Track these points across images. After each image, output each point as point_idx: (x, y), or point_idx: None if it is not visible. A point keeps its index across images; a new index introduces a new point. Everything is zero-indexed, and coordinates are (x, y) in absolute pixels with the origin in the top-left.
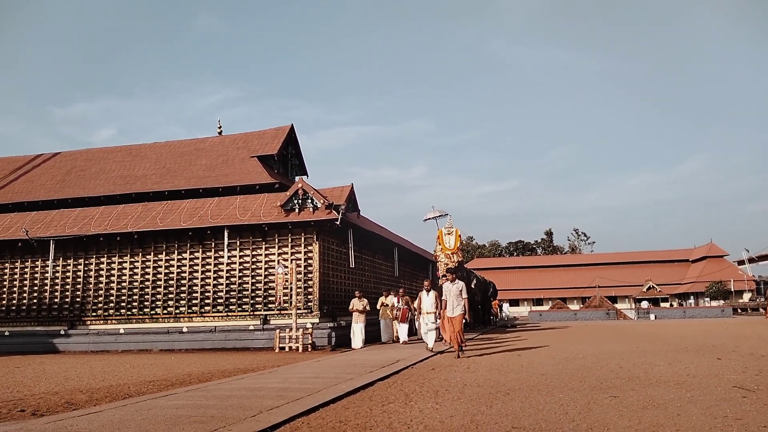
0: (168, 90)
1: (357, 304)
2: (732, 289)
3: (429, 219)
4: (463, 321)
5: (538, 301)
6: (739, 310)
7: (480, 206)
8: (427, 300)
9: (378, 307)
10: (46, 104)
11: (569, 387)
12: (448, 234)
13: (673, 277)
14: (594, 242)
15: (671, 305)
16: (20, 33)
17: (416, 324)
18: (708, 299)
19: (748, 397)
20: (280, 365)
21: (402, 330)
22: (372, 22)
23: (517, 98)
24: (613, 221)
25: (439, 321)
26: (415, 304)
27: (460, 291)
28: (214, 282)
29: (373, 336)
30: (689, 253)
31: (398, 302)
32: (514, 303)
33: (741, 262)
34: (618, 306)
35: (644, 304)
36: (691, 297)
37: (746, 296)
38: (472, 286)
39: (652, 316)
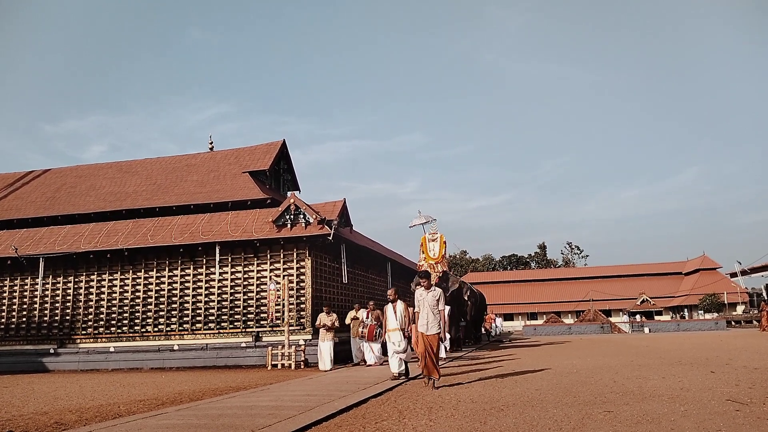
0: (160, 105)
1: (324, 319)
2: (725, 302)
3: (415, 225)
4: (440, 341)
5: (533, 315)
6: (733, 323)
7: (473, 220)
8: (392, 314)
9: (347, 322)
10: (37, 120)
11: (563, 402)
12: (432, 240)
13: (667, 290)
14: (587, 255)
15: (674, 316)
16: (11, 47)
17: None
18: (702, 312)
19: (742, 410)
20: (272, 383)
21: (370, 350)
22: (364, 36)
23: (510, 110)
24: (606, 233)
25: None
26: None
27: (437, 301)
28: (206, 299)
29: (348, 356)
30: (682, 265)
31: (367, 317)
32: (508, 317)
33: (734, 275)
34: (612, 319)
35: (636, 317)
36: (685, 310)
37: (740, 308)
38: (465, 298)
39: (646, 330)
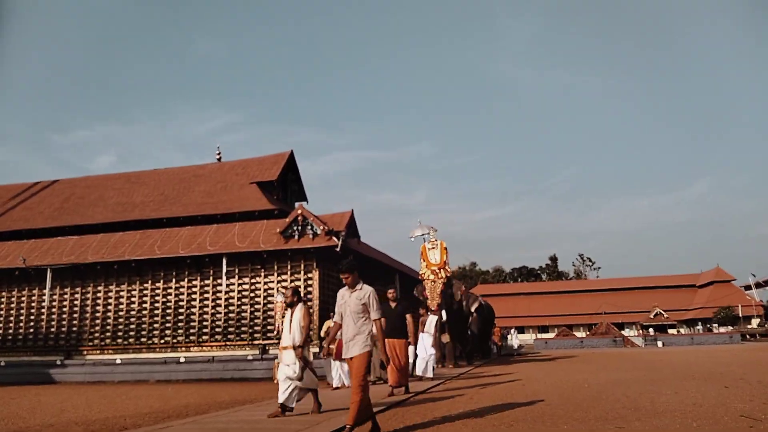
0: (168, 116)
1: None
2: (740, 315)
3: (416, 237)
4: (369, 365)
5: (543, 328)
6: (748, 336)
7: (483, 231)
8: (286, 325)
9: (322, 333)
10: (45, 131)
11: (574, 418)
12: (432, 248)
13: (681, 303)
14: (599, 267)
15: (690, 330)
16: (20, 57)
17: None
18: (716, 325)
19: (755, 426)
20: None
21: (338, 369)
22: (373, 46)
23: (520, 120)
24: (618, 245)
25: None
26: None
27: (364, 305)
28: (212, 311)
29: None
30: (696, 278)
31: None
32: (518, 330)
33: (748, 287)
34: (625, 333)
35: (650, 331)
36: (699, 323)
37: (754, 322)
38: (473, 310)
39: (659, 343)
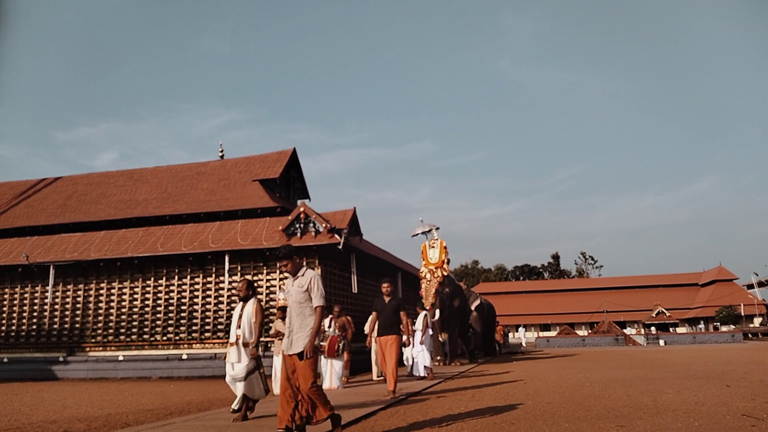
0: (170, 113)
1: (280, 326)
2: (742, 314)
3: (417, 234)
4: (317, 364)
5: (545, 327)
6: (750, 335)
7: (485, 229)
8: (234, 319)
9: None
10: (48, 128)
11: (575, 416)
12: (432, 247)
13: (683, 302)
14: (602, 266)
15: (693, 329)
16: (23, 55)
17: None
18: (718, 324)
19: (757, 426)
20: None
21: (330, 368)
22: (376, 44)
23: (523, 119)
24: (620, 244)
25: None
26: (366, 328)
27: (307, 291)
28: (215, 308)
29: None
30: (698, 276)
31: (329, 326)
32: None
33: (750, 286)
34: (627, 331)
35: (651, 330)
36: (701, 322)
37: (757, 321)
38: (473, 308)
39: (661, 342)
